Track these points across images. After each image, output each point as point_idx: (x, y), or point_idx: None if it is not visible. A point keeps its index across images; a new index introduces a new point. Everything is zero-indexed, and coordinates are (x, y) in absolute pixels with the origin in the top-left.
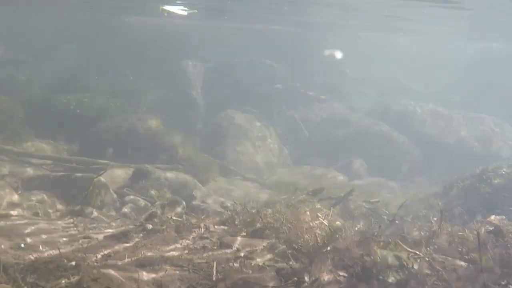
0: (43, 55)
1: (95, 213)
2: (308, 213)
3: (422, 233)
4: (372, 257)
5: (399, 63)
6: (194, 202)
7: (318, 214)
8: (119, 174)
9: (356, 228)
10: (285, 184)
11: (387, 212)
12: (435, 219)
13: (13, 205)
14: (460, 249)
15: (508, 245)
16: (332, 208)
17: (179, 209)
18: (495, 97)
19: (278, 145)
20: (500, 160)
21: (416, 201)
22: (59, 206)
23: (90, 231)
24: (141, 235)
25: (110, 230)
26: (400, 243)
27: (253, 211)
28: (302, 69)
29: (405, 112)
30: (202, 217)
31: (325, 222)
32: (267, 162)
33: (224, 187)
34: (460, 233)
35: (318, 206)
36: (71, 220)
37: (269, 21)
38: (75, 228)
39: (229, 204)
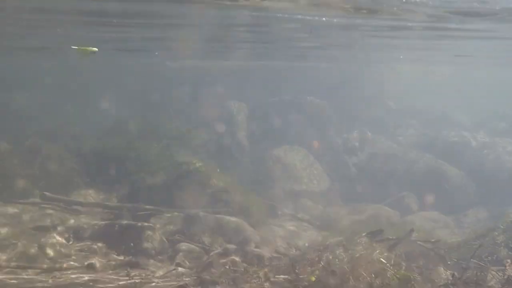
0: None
1: (149, 263)
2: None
3: (498, 279)
4: None
5: (443, 93)
6: (248, 248)
7: (382, 260)
8: (170, 220)
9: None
10: (337, 224)
11: (448, 252)
12: (509, 261)
13: (65, 257)
14: None
15: None
16: (393, 251)
17: (235, 258)
18: None
19: (326, 183)
20: None
21: (476, 238)
22: (112, 256)
23: (146, 285)
24: None
25: (167, 284)
26: None
27: (314, 257)
28: (346, 104)
29: (454, 143)
30: (261, 266)
31: (392, 270)
32: (316, 201)
33: (275, 229)
34: None
35: (379, 250)
36: (126, 271)
37: (312, 57)
38: (130, 281)
39: (282, 249)
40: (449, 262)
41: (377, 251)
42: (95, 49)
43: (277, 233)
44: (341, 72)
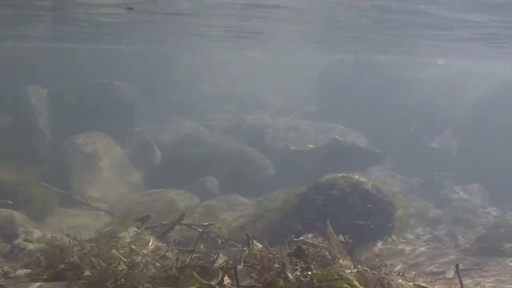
0: None
1: None
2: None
3: (231, 260)
4: None
5: (258, 78)
6: (16, 241)
7: (133, 247)
8: None
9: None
10: (133, 211)
11: (221, 235)
12: (251, 241)
13: None
14: (265, 275)
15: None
16: (165, 235)
17: None
18: (348, 107)
19: (130, 169)
20: None
21: (257, 219)
22: None
23: None
24: None
25: None
26: (196, 275)
27: (58, 249)
28: (156, 89)
29: (259, 126)
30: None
31: (124, 258)
32: (118, 188)
33: (63, 220)
34: (270, 255)
35: (133, 234)
36: None
37: (117, 40)
38: None
39: (56, 241)
40: (220, 244)
41: (129, 237)
42: None
43: (65, 225)
44: (152, 56)
